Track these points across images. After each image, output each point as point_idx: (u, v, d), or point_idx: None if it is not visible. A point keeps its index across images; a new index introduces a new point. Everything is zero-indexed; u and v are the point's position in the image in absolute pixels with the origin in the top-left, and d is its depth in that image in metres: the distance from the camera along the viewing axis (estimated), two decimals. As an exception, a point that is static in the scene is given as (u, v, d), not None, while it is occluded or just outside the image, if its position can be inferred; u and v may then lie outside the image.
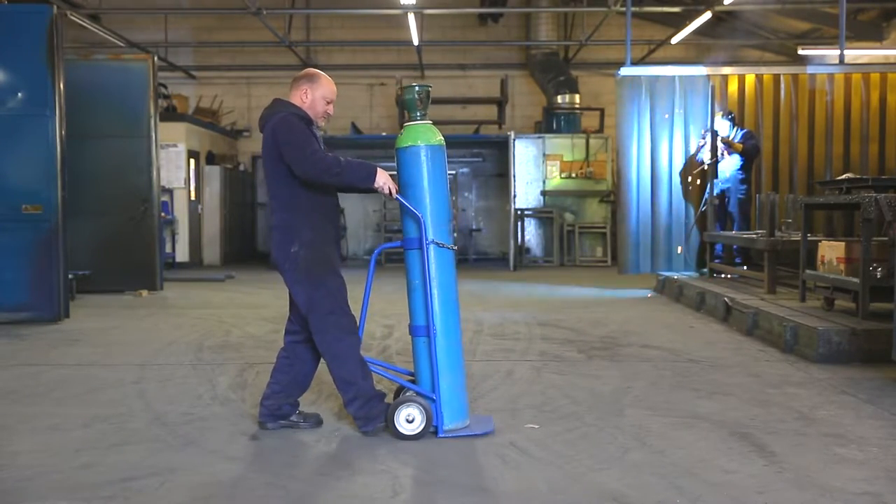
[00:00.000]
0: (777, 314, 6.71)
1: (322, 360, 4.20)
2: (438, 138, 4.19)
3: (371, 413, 4.06)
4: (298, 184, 4.00)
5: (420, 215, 4.06)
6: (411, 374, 4.32)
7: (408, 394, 4.20)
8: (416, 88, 4.14)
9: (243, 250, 16.99)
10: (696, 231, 10.64)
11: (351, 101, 17.90)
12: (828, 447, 3.92)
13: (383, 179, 4.00)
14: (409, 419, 4.04)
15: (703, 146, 10.45)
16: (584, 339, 6.96)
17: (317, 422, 4.29)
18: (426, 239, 4.05)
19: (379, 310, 8.25)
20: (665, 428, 4.25)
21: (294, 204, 4.03)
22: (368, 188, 4.03)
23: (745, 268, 9.68)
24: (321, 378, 5.38)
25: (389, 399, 4.32)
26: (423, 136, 4.13)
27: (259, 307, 9.15)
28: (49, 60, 7.89)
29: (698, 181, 10.56)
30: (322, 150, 3.98)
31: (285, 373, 4.21)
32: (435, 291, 4.08)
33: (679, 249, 10.72)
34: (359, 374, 4.05)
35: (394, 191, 4.05)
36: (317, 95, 4.11)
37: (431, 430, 4.06)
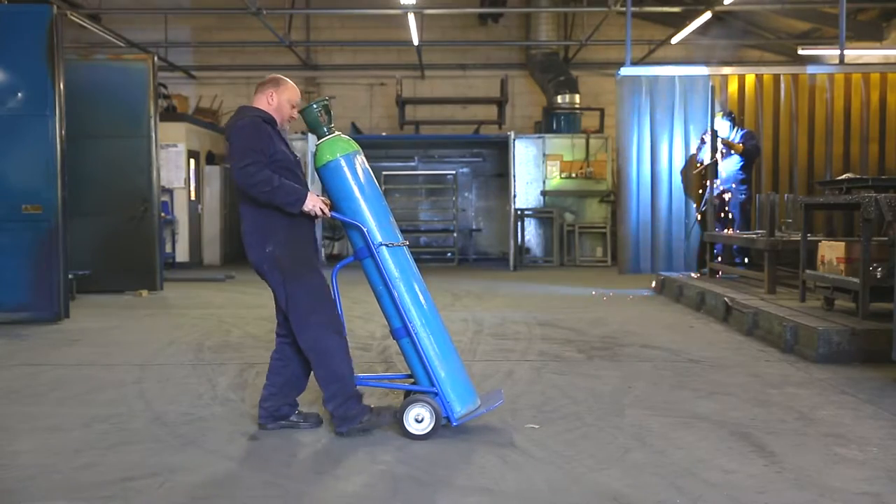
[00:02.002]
0: (777, 314, 6.71)
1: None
2: (352, 146, 4.19)
3: (348, 413, 4.04)
4: None
5: (360, 224, 4.08)
6: (409, 376, 4.33)
7: (412, 395, 4.21)
8: (314, 106, 4.15)
9: (243, 250, 16.93)
10: (697, 230, 10.64)
11: (351, 101, 17.92)
12: (828, 447, 3.92)
13: (312, 203, 3.98)
14: (419, 419, 4.04)
15: (703, 146, 10.45)
16: (585, 339, 6.96)
17: (317, 421, 4.29)
18: (374, 244, 4.08)
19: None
20: (665, 428, 4.25)
21: (266, 205, 4.01)
22: (298, 211, 3.99)
23: (746, 262, 9.68)
24: (321, 378, 5.38)
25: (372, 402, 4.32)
26: (337, 149, 4.13)
27: (259, 307, 9.15)
28: (49, 60, 7.89)
29: (699, 180, 10.56)
30: (258, 165, 3.92)
31: (279, 374, 4.21)
32: (401, 288, 4.11)
33: (698, 217, 10.63)
34: (340, 372, 4.04)
35: (326, 212, 4.04)
36: (282, 99, 4.14)
37: (444, 423, 4.07)
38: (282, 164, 4.05)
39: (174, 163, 14.12)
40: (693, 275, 10.21)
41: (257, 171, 3.92)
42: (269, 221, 4.04)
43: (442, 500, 3.28)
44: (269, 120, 4.11)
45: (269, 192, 3.92)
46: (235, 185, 4.10)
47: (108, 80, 10.32)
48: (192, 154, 14.65)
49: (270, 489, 3.39)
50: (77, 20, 12.68)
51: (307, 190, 4.04)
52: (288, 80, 4.25)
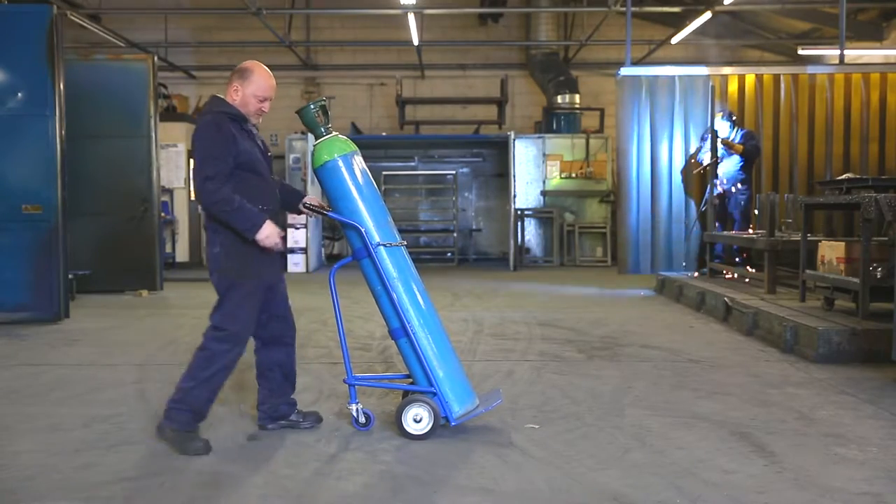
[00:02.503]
0: (777, 314, 6.71)
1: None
2: (350, 146, 4.18)
3: (173, 416, 3.87)
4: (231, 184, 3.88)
5: (357, 225, 4.07)
6: (408, 376, 4.33)
7: (410, 395, 4.21)
8: (311, 107, 4.13)
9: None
10: (697, 230, 10.64)
11: (351, 101, 17.91)
12: (828, 447, 3.92)
13: (266, 234, 3.81)
14: (417, 419, 4.05)
15: (702, 146, 10.45)
16: (585, 339, 6.96)
17: (316, 419, 4.29)
18: (372, 245, 4.07)
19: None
20: (665, 428, 4.25)
21: None
22: (251, 239, 3.82)
23: (748, 268, 9.68)
24: (321, 378, 5.39)
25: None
26: (335, 149, 4.12)
27: (259, 307, 9.14)
28: (49, 60, 7.89)
29: (699, 180, 10.56)
30: (221, 179, 3.79)
31: (268, 377, 4.18)
32: (399, 288, 4.11)
33: (698, 212, 10.66)
34: (204, 382, 3.86)
35: (279, 245, 3.89)
36: (247, 93, 3.97)
37: (442, 422, 4.07)
38: (246, 165, 3.91)
39: (174, 163, 14.13)
40: (693, 274, 10.21)
41: (217, 188, 3.78)
42: (221, 224, 3.90)
43: (442, 500, 3.28)
44: (235, 116, 3.95)
45: (227, 212, 3.79)
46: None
47: (108, 80, 10.31)
48: (192, 154, 14.64)
49: (270, 489, 3.39)
50: (77, 20, 12.68)
51: (266, 218, 3.85)
52: (258, 70, 4.03)
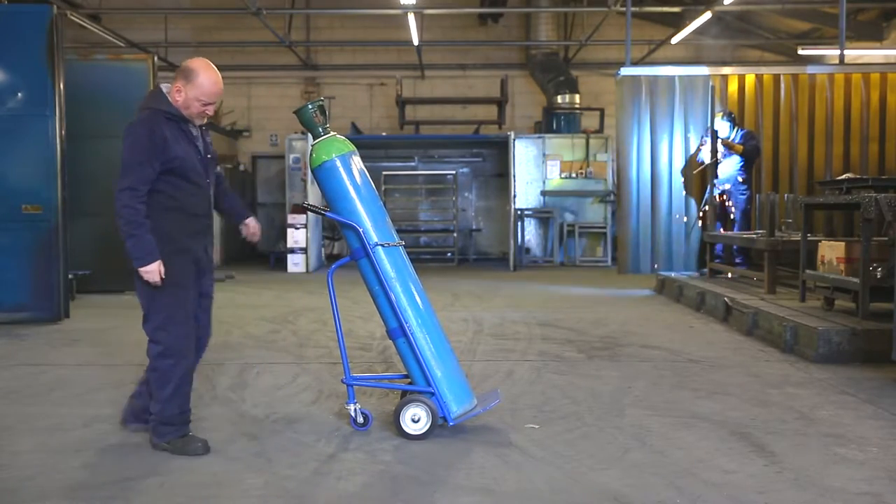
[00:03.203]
0: (777, 314, 6.71)
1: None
2: (348, 146, 4.18)
3: (157, 430, 3.86)
4: (155, 186, 3.73)
5: (355, 225, 4.07)
6: (406, 377, 4.34)
7: (408, 395, 4.21)
8: (309, 107, 4.12)
9: (243, 250, 16.98)
10: (697, 230, 10.64)
11: (351, 101, 17.92)
12: (828, 447, 3.92)
13: (150, 275, 3.67)
14: (415, 419, 4.05)
15: (703, 147, 10.46)
16: (585, 339, 6.96)
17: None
18: (370, 245, 4.07)
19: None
20: (665, 428, 4.25)
21: (149, 205, 3.73)
22: (134, 266, 3.68)
23: (746, 267, 9.69)
24: (321, 378, 5.39)
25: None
26: (333, 149, 4.12)
27: (259, 307, 9.15)
28: (49, 60, 7.88)
29: (699, 180, 10.57)
30: (138, 195, 3.65)
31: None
32: (397, 288, 4.11)
33: (684, 218, 10.68)
34: (167, 399, 3.81)
35: (158, 284, 3.70)
36: (190, 95, 3.76)
37: (440, 422, 4.07)
38: (177, 171, 3.75)
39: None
40: (692, 275, 10.21)
41: (131, 203, 3.64)
42: (155, 228, 3.74)
43: (442, 500, 3.28)
44: (173, 116, 3.77)
45: (126, 232, 3.65)
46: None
47: (108, 80, 10.30)
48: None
49: (270, 489, 3.39)
50: (77, 20, 12.67)
51: (158, 258, 3.69)
52: (205, 72, 3.77)
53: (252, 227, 4.30)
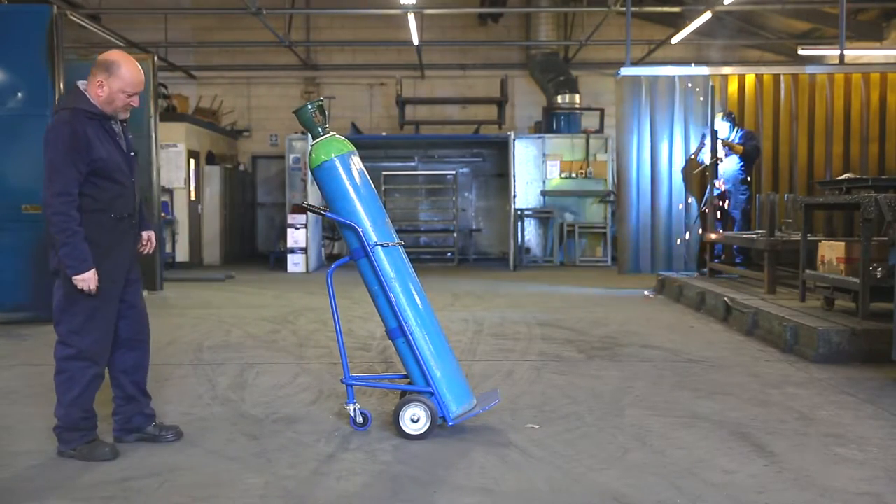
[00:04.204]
0: (777, 314, 6.71)
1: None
2: (347, 146, 4.18)
3: (63, 437, 3.76)
4: (83, 190, 3.61)
5: (355, 225, 4.07)
6: (406, 377, 4.34)
7: (408, 395, 4.21)
8: (308, 107, 4.12)
9: (243, 250, 17.00)
10: (698, 226, 10.64)
11: (351, 101, 17.91)
12: (828, 447, 3.92)
13: (85, 280, 3.55)
14: (414, 419, 4.04)
15: (703, 147, 10.46)
16: (585, 339, 6.96)
17: (177, 434, 4.04)
18: (369, 245, 4.07)
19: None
20: (665, 428, 4.25)
21: (87, 215, 3.62)
22: (70, 276, 3.57)
23: (739, 263, 9.70)
24: (321, 378, 5.39)
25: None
26: (332, 149, 4.12)
27: (259, 307, 9.15)
28: (49, 60, 7.88)
29: (699, 180, 10.57)
30: (70, 200, 3.53)
31: (120, 383, 3.97)
32: (397, 288, 4.11)
33: (678, 241, 10.73)
34: (70, 404, 3.71)
35: (93, 292, 3.61)
36: (114, 88, 3.64)
37: (440, 422, 4.07)
38: (101, 171, 3.63)
39: (174, 163, 14.12)
40: (692, 275, 10.21)
41: (63, 209, 3.52)
42: (88, 235, 3.62)
43: (442, 500, 3.28)
44: (95, 114, 3.65)
45: (60, 240, 3.54)
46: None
47: (107, 80, 10.29)
48: (192, 154, 14.66)
49: (271, 489, 3.39)
50: (77, 20, 12.64)
51: (91, 266, 3.58)
52: (126, 62, 3.68)
53: (145, 239, 4.03)
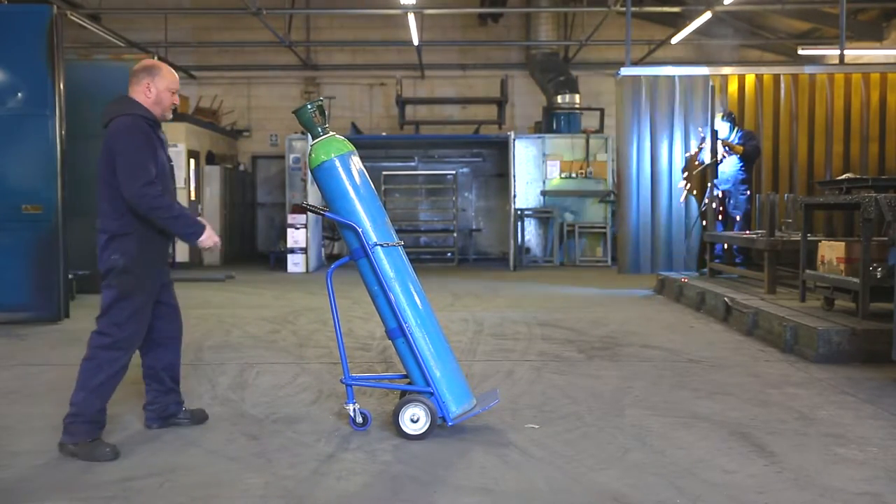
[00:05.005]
0: (777, 314, 6.71)
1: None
2: (347, 146, 4.19)
3: (72, 430, 3.82)
4: None
5: (354, 225, 4.08)
6: (405, 377, 4.34)
7: (407, 395, 4.21)
8: (308, 107, 4.13)
9: (243, 250, 17.00)
10: (698, 227, 10.64)
11: (351, 101, 17.92)
12: (828, 447, 3.92)
13: (207, 241, 3.91)
14: (414, 419, 4.05)
15: (703, 147, 10.46)
16: (585, 339, 6.96)
17: (202, 417, 4.32)
18: (369, 245, 4.07)
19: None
20: (665, 428, 4.25)
21: (124, 213, 3.83)
22: (190, 242, 3.95)
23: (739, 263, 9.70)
24: (321, 378, 5.39)
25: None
26: (332, 149, 4.13)
27: (259, 307, 9.16)
28: (49, 60, 7.88)
29: (699, 179, 10.57)
30: (158, 185, 3.80)
31: (157, 378, 4.17)
32: (396, 288, 4.12)
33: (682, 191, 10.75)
34: (95, 391, 3.85)
35: (217, 246, 3.98)
36: (161, 88, 3.93)
37: (439, 422, 4.07)
38: (158, 176, 3.88)
39: (174, 163, 14.04)
40: (684, 278, 10.21)
41: (158, 194, 3.78)
42: (125, 231, 3.85)
43: (442, 500, 3.28)
44: (151, 121, 3.91)
45: (167, 219, 3.82)
46: (106, 183, 3.84)
47: (108, 80, 10.24)
48: (192, 154, 14.66)
49: (271, 489, 3.39)
50: (77, 20, 12.68)
51: (205, 225, 3.95)
52: (163, 65, 4.04)
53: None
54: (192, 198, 14.78)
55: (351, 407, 4.17)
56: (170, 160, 4.09)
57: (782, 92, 10.93)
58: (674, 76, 10.85)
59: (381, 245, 4.12)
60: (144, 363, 4.18)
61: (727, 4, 13.08)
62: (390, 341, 4.26)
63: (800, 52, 16.42)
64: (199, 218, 4.02)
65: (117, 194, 3.82)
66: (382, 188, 15.42)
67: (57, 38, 7.92)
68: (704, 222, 10.43)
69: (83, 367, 3.88)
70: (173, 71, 4.04)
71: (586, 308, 9.02)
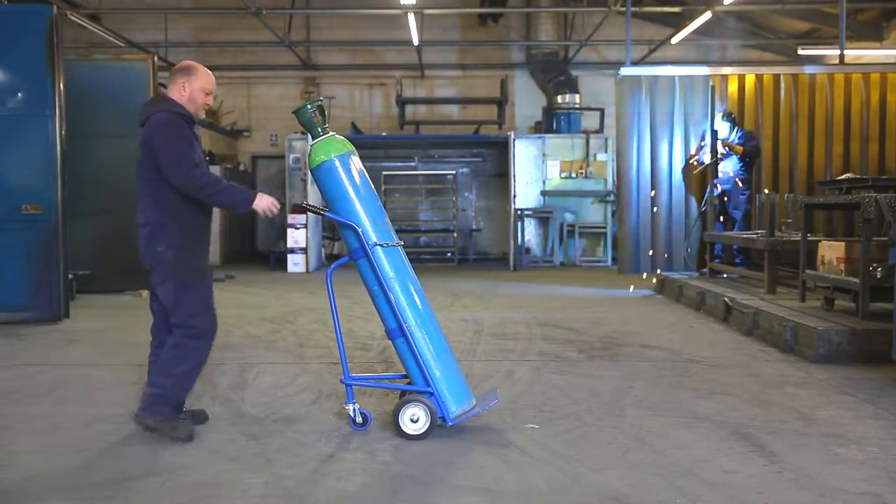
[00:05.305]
0: (777, 314, 6.71)
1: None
2: (347, 146, 4.19)
3: (154, 407, 4.00)
4: (171, 185, 3.99)
5: (354, 225, 4.08)
6: (405, 377, 4.34)
7: (407, 395, 4.21)
8: (308, 107, 4.15)
9: (243, 250, 17.00)
10: (699, 226, 10.63)
11: (351, 101, 17.92)
12: (828, 447, 3.92)
13: (263, 204, 4.01)
14: (414, 419, 4.05)
15: (703, 147, 10.46)
16: (584, 339, 6.96)
17: (202, 417, 4.33)
18: (369, 245, 4.08)
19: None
20: (665, 428, 4.25)
21: (165, 204, 4.01)
22: (247, 210, 4.05)
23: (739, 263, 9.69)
24: (321, 378, 5.39)
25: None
26: (332, 149, 4.13)
27: (259, 307, 9.16)
28: (49, 60, 7.88)
29: (699, 179, 10.57)
30: (203, 166, 3.98)
31: None
32: (396, 288, 4.12)
33: (686, 243, 10.75)
34: (180, 376, 4.02)
35: (276, 212, 4.06)
36: (195, 87, 4.10)
37: (439, 422, 4.07)
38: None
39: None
40: (692, 275, 10.21)
41: (203, 174, 3.94)
42: (165, 221, 4.02)
43: (442, 500, 3.28)
44: (187, 118, 4.07)
45: (217, 191, 3.96)
46: (145, 178, 4.00)
47: (108, 80, 10.30)
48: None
49: (271, 489, 3.39)
50: (77, 20, 12.66)
51: (256, 192, 4.06)
52: (200, 66, 4.17)
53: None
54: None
55: (351, 407, 4.17)
56: (204, 156, 4.20)
57: (782, 92, 10.93)
58: (674, 76, 10.85)
59: (381, 245, 4.12)
60: (151, 357, 4.22)
61: (727, 4, 13.07)
62: (390, 341, 4.26)
63: (800, 52, 16.42)
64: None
65: (158, 187, 3.98)
66: (382, 188, 15.42)
67: (57, 38, 7.93)
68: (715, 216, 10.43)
69: (170, 354, 4.02)
70: (210, 73, 4.18)
71: (586, 308, 9.02)
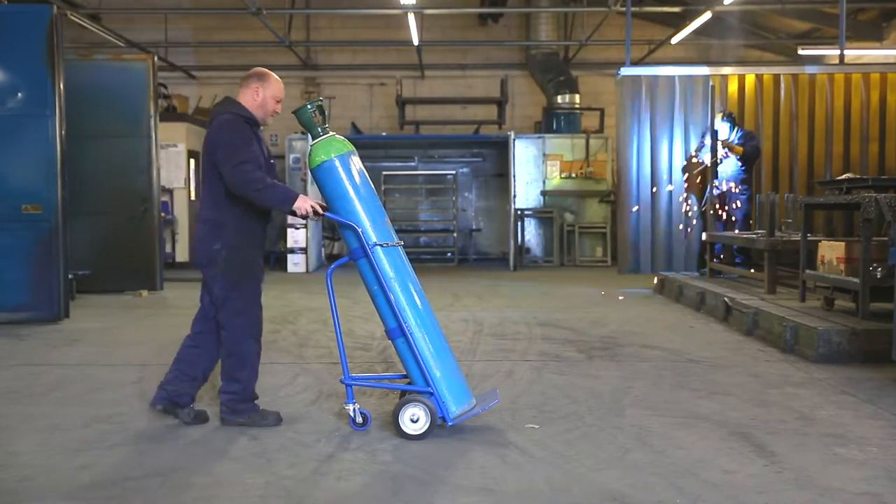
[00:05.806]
0: (777, 314, 6.71)
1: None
2: (347, 147, 4.21)
3: (237, 408, 4.22)
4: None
5: (354, 225, 4.09)
6: (405, 377, 4.34)
7: (407, 395, 4.21)
8: (308, 107, 4.16)
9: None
10: (699, 225, 10.63)
11: (351, 101, 17.91)
12: (828, 447, 3.92)
13: (304, 205, 4.05)
14: (414, 419, 4.05)
15: (703, 147, 10.46)
16: (584, 339, 6.96)
17: (204, 418, 4.36)
18: (369, 245, 4.08)
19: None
20: (665, 428, 4.25)
21: (226, 203, 4.12)
22: (288, 211, 4.11)
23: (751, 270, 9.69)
24: (321, 378, 5.39)
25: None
26: (332, 149, 4.15)
27: (259, 307, 9.14)
28: (49, 60, 7.88)
29: (699, 179, 10.57)
30: (253, 164, 4.03)
31: (191, 363, 4.30)
32: (396, 288, 4.12)
33: (680, 226, 10.75)
34: (245, 377, 4.21)
35: (319, 211, 4.10)
36: (267, 94, 4.22)
37: (439, 422, 4.07)
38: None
39: (174, 163, 14.11)
40: (692, 275, 10.21)
41: (252, 170, 4.01)
42: (223, 220, 4.13)
43: (442, 500, 3.28)
44: (250, 120, 4.18)
45: (260, 189, 4.00)
46: (208, 175, 4.14)
47: (108, 80, 10.31)
48: (192, 154, 14.64)
49: (271, 489, 3.39)
50: (77, 20, 12.66)
51: (299, 193, 4.12)
52: (273, 74, 4.30)
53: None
54: (193, 198, 14.77)
55: (351, 407, 4.18)
56: (270, 159, 4.28)
57: (782, 92, 10.93)
58: (674, 76, 10.85)
59: (381, 245, 4.12)
60: (188, 354, 4.31)
61: (727, 4, 13.07)
62: (390, 341, 4.26)
63: (800, 52, 16.40)
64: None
65: (217, 184, 4.10)
66: (382, 188, 15.41)
67: (57, 38, 7.93)
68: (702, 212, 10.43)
69: (229, 362, 4.20)
70: (281, 82, 4.30)
71: (586, 308, 9.02)
